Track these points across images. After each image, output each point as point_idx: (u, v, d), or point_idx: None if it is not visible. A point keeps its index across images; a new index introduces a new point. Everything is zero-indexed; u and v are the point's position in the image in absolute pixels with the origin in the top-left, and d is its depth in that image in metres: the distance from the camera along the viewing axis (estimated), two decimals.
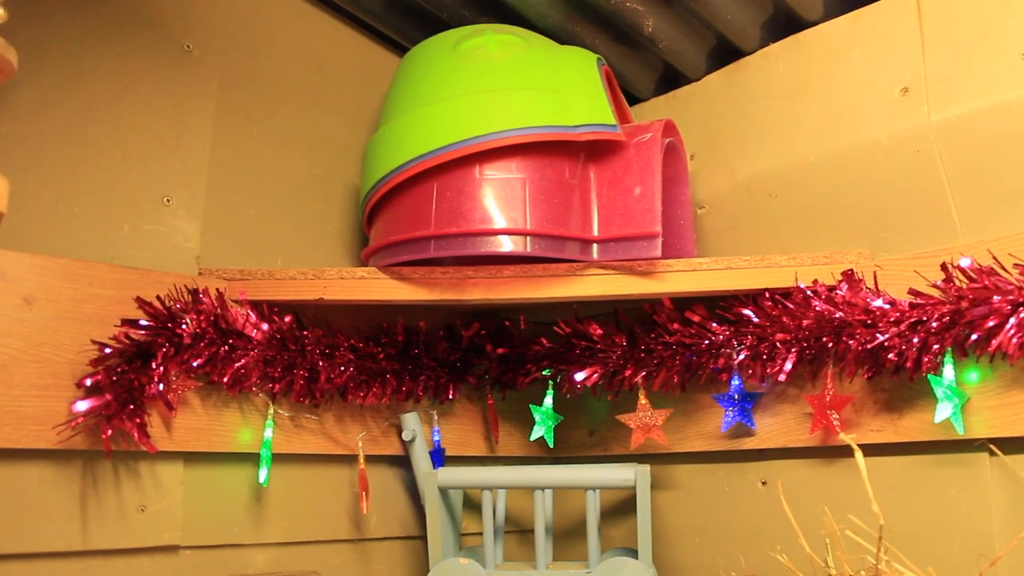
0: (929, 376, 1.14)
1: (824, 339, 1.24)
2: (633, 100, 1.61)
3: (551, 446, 1.54)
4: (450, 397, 1.51)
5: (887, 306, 1.18)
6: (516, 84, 1.31)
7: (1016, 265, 1.08)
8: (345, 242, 1.51)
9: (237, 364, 1.27)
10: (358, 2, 1.53)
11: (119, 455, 1.20)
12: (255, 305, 1.31)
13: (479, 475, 1.33)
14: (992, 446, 1.13)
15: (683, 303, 1.37)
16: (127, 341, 1.19)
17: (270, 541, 1.34)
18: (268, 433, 1.30)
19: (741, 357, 1.31)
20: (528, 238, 1.25)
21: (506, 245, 1.25)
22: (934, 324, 1.13)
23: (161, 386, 1.20)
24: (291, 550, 1.36)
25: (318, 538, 1.39)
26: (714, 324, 1.34)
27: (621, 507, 1.55)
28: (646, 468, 1.27)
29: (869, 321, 1.18)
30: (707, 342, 1.34)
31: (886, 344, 1.16)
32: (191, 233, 1.33)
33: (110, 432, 1.15)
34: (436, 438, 1.48)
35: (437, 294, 1.30)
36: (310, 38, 1.51)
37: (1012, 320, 1.06)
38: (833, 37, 1.35)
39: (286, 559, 1.35)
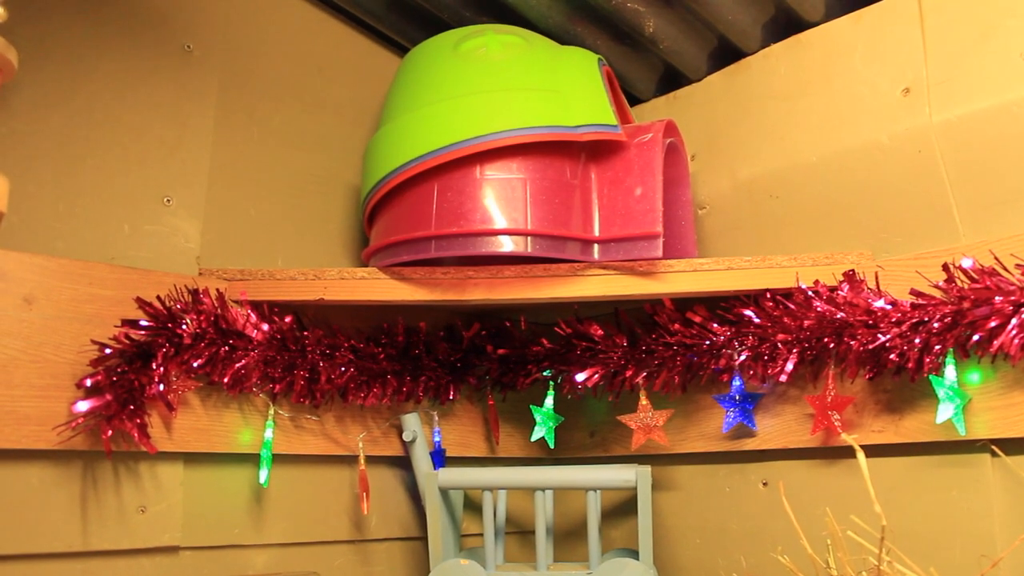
0: (931, 377, 1.14)
1: (825, 340, 1.23)
2: (634, 100, 1.61)
3: (552, 447, 1.54)
4: (451, 398, 1.51)
5: (888, 307, 1.17)
6: (517, 84, 1.31)
7: (1018, 265, 1.08)
8: (345, 242, 1.51)
9: (237, 364, 1.27)
10: (359, 2, 1.52)
11: (119, 456, 1.19)
12: (255, 305, 1.31)
13: (480, 476, 1.33)
14: (994, 447, 1.13)
15: (684, 304, 1.37)
16: (127, 341, 1.19)
17: (270, 542, 1.33)
18: (268, 434, 1.30)
19: (742, 358, 1.31)
20: (529, 238, 1.25)
21: (507, 245, 1.25)
22: (936, 325, 1.13)
23: (161, 386, 1.20)
24: (291, 551, 1.36)
25: (318, 539, 1.39)
26: (715, 325, 1.34)
27: (622, 508, 1.55)
28: (647, 469, 1.27)
29: (870, 322, 1.18)
30: (708, 343, 1.34)
31: (887, 345, 1.16)
32: (191, 233, 1.33)
33: (110, 432, 1.14)
34: (437, 439, 1.48)
35: (438, 294, 1.30)
36: (311, 38, 1.51)
37: (1014, 320, 1.06)
38: (834, 38, 1.35)
39: (286, 560, 1.35)
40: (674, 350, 1.37)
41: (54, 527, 1.14)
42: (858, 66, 1.31)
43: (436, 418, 1.49)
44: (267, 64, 1.45)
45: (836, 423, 1.24)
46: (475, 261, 1.35)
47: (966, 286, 1.12)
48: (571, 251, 1.27)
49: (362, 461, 1.39)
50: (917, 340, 1.14)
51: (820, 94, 1.35)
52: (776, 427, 1.33)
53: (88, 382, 1.15)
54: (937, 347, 1.13)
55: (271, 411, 1.31)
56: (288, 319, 1.33)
